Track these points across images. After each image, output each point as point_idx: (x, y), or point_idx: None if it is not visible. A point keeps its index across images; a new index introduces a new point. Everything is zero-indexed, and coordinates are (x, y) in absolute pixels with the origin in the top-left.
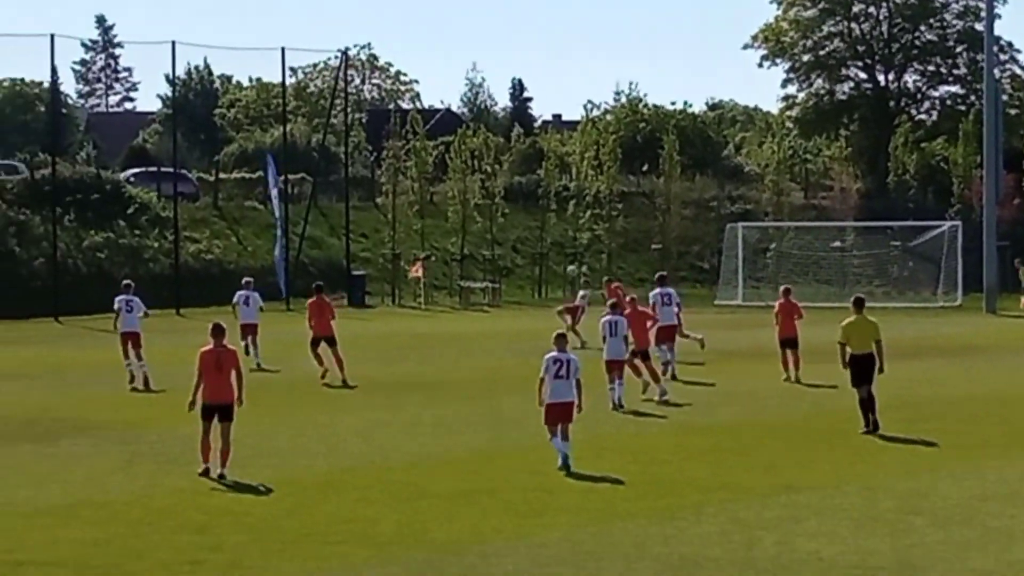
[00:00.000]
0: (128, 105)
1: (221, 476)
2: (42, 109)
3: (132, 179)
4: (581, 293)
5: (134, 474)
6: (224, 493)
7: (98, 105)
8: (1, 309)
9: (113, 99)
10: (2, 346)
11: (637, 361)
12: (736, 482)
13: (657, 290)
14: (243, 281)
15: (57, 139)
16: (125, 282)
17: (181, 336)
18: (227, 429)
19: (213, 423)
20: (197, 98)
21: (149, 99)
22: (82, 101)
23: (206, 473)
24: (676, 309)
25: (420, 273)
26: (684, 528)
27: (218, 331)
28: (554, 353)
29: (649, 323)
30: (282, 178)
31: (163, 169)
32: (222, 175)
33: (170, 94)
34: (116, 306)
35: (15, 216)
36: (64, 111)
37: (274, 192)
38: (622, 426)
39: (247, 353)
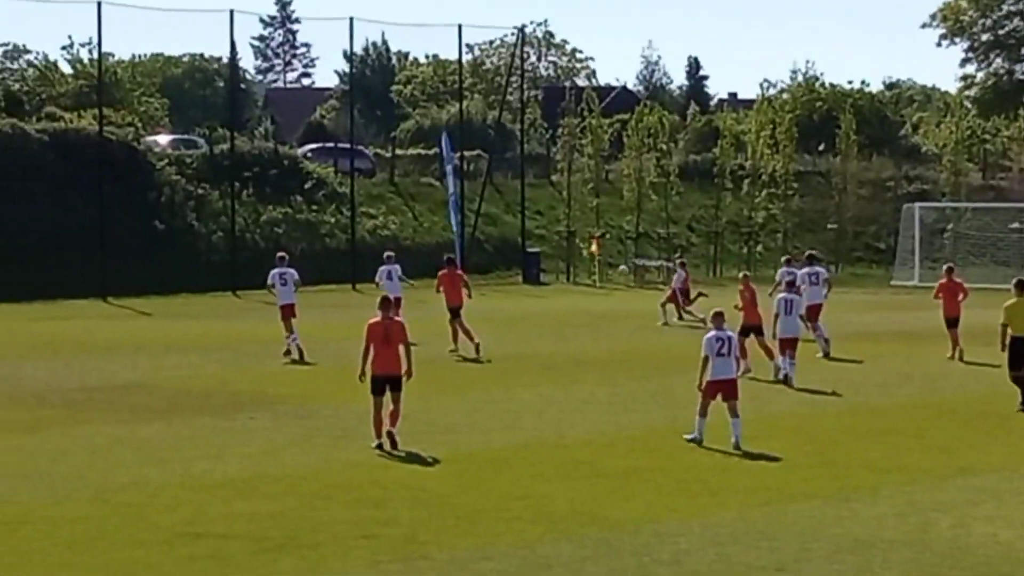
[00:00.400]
0: (306, 81)
1: (389, 433)
2: (221, 84)
3: (309, 154)
4: (675, 277)
5: (310, 448)
6: (400, 467)
7: (276, 81)
8: (180, 283)
9: (291, 75)
10: (181, 320)
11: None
12: (912, 464)
13: (805, 269)
14: (384, 256)
15: (236, 114)
16: (279, 255)
17: (358, 311)
18: (398, 398)
19: (385, 398)
20: (374, 74)
21: (326, 75)
22: (260, 77)
23: (381, 447)
24: (825, 289)
25: (596, 250)
26: (859, 510)
27: (386, 304)
28: (714, 332)
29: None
30: (458, 155)
31: (340, 145)
32: (398, 151)
33: (347, 70)
34: (270, 280)
35: (194, 190)
36: (243, 86)
37: (448, 169)
38: (795, 406)
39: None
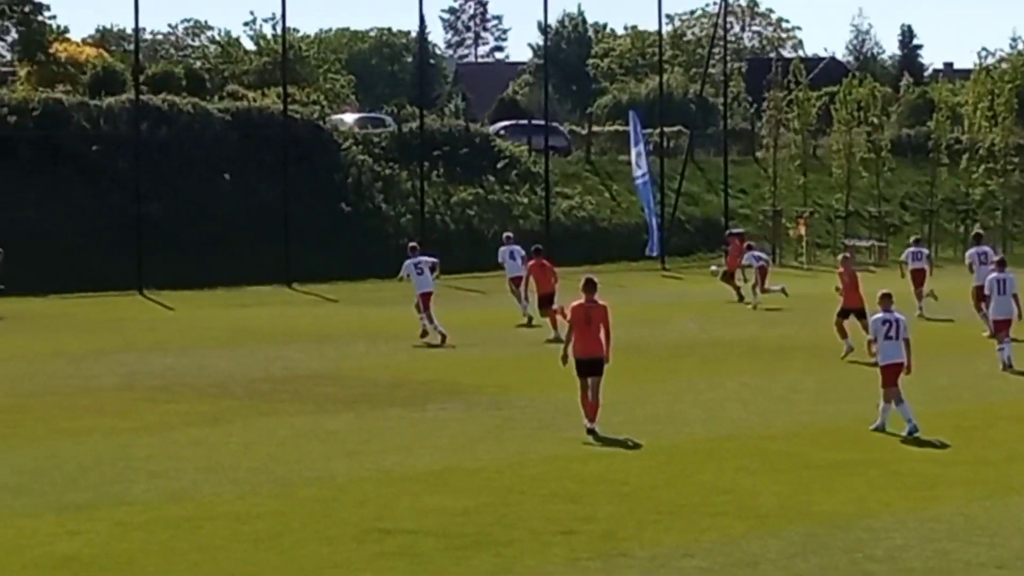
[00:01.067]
0: (498, 55)
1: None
2: (409, 60)
3: (502, 132)
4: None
5: (505, 440)
6: (599, 461)
7: (467, 55)
8: (367, 268)
9: (482, 49)
10: (369, 306)
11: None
12: None
13: (973, 249)
14: (409, 247)
15: (425, 91)
16: (411, 244)
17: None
18: (596, 383)
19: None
20: (570, 47)
21: (519, 49)
22: (450, 51)
23: (592, 432)
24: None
25: (803, 231)
26: None
27: (589, 286)
28: (881, 314)
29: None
30: (657, 131)
31: (534, 122)
32: (595, 128)
33: (541, 43)
34: (403, 272)
35: (382, 171)
36: (432, 62)
37: (635, 151)
38: (1018, 393)
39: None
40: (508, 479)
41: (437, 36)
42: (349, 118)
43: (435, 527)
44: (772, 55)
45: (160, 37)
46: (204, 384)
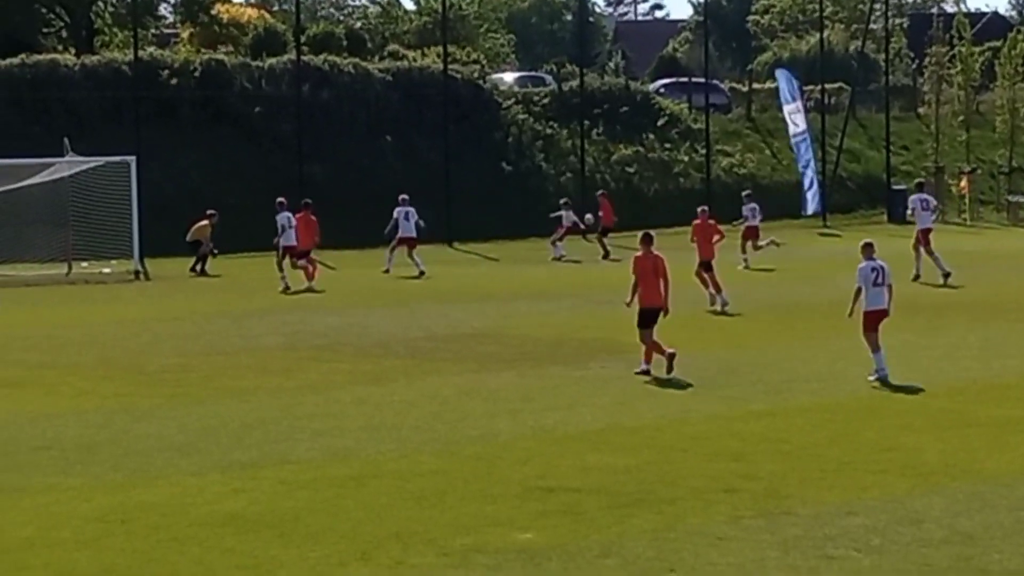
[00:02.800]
0: (658, 13)
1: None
2: (569, 18)
3: (662, 90)
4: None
5: (666, 398)
6: (760, 419)
7: (626, 14)
8: (528, 227)
9: (642, 7)
10: (529, 265)
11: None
12: None
13: (915, 196)
14: (400, 198)
15: (585, 49)
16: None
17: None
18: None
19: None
20: (730, 4)
21: (679, 6)
22: (610, 10)
23: (647, 373)
24: (932, 215)
25: (966, 187)
26: None
27: (647, 239)
28: (866, 263)
29: (716, 236)
30: (818, 88)
31: (694, 79)
32: (755, 85)
33: (701, 1)
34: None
35: (542, 130)
36: (591, 20)
37: (788, 108)
38: None
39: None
40: (669, 437)
41: None
42: (509, 77)
43: (597, 485)
44: (934, 10)
45: None
46: (367, 343)
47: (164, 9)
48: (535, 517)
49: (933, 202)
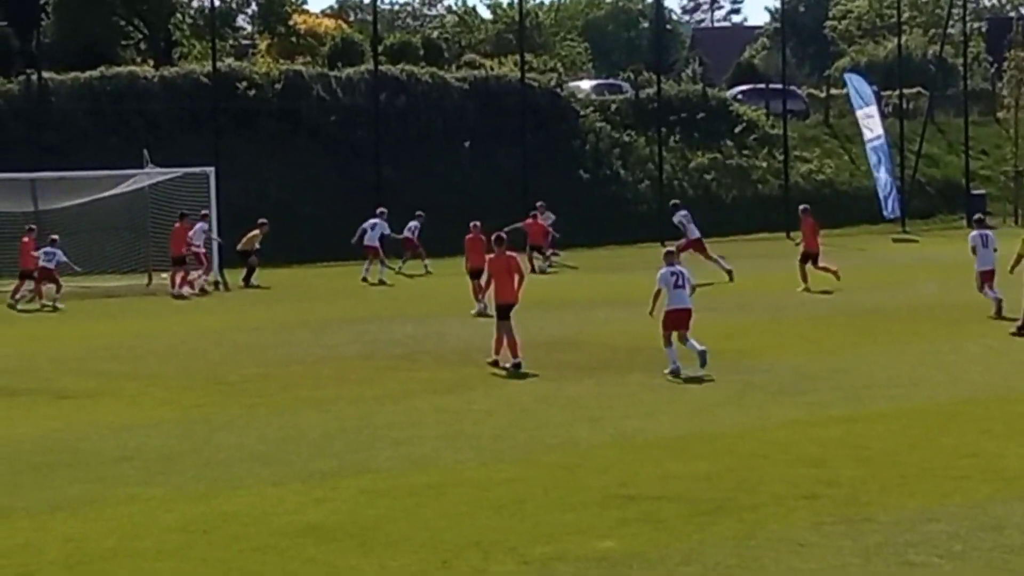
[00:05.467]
0: (734, 19)
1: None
2: (645, 26)
3: (739, 96)
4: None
5: (745, 405)
6: (840, 425)
7: (703, 20)
8: (606, 234)
9: (718, 14)
10: (608, 273)
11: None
12: None
13: (975, 232)
14: (378, 211)
15: (662, 57)
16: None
17: (792, 261)
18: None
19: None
20: (807, 10)
21: (756, 12)
22: (687, 17)
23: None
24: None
25: None
26: None
27: (499, 241)
28: (666, 268)
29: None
30: (896, 93)
31: (771, 86)
32: (833, 91)
33: (778, 7)
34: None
35: (619, 137)
36: (668, 27)
37: (861, 112)
38: None
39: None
40: (750, 444)
41: (673, 2)
42: (586, 85)
43: (678, 492)
44: (1012, 14)
45: (397, 7)
46: (445, 352)
47: (242, 20)
48: (615, 525)
49: (994, 240)
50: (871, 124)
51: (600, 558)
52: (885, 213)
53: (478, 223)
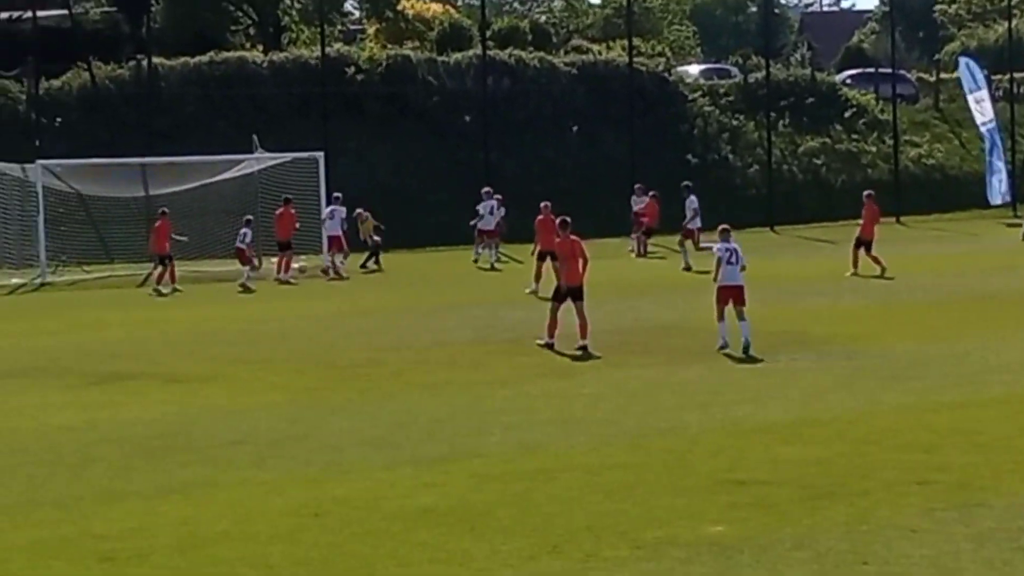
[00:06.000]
0: (844, 4)
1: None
2: (754, 10)
3: (848, 81)
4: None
5: (856, 390)
6: (951, 411)
7: (812, 5)
8: (715, 218)
9: None
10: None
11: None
12: None
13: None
14: (333, 196)
15: (770, 41)
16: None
17: (903, 246)
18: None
19: None
20: None
21: None
22: (796, 1)
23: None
24: None
25: None
26: None
27: (564, 224)
28: (721, 243)
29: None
30: (1006, 77)
31: (880, 70)
32: (943, 75)
33: None
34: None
35: (728, 122)
36: (777, 12)
37: (973, 97)
38: None
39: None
40: (861, 429)
41: None
42: (694, 69)
43: (789, 477)
44: None
45: None
46: (556, 337)
47: (350, 6)
48: (726, 510)
49: None
50: (983, 108)
51: (711, 543)
52: (992, 199)
53: (548, 204)
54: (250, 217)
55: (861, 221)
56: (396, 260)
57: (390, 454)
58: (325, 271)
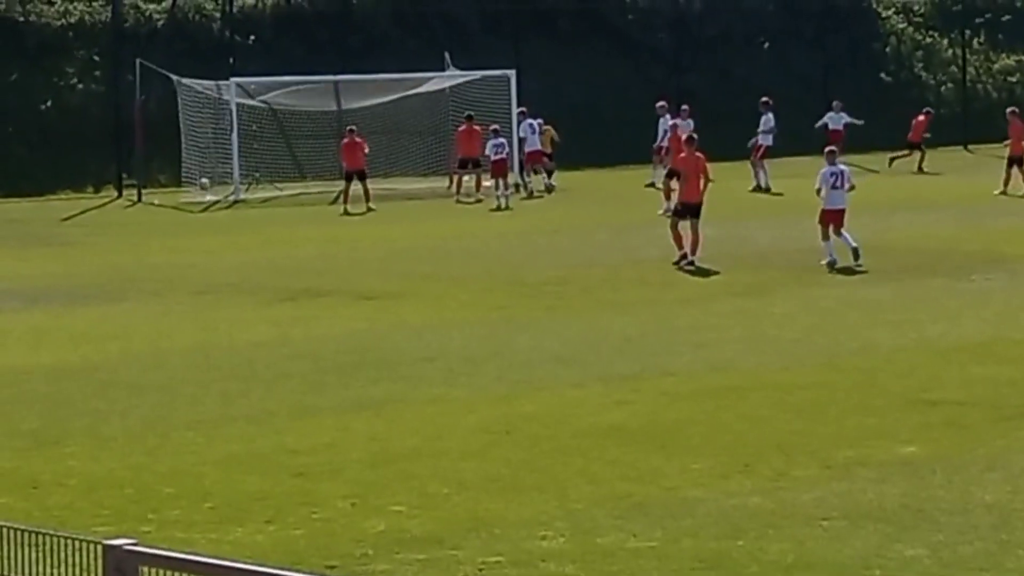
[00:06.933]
0: None
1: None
2: None
3: None
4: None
5: None
6: None
7: None
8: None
9: None
10: (910, 176)
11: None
12: None
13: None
14: (519, 112)
15: None
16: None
17: None
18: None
19: None
20: None
21: None
22: None
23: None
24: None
25: None
26: None
27: (690, 140)
28: (827, 168)
29: None
30: None
31: None
32: None
33: None
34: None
35: (922, 39)
36: None
37: None
38: None
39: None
40: None
41: None
42: None
43: (981, 397)
44: None
45: None
46: (745, 254)
47: None
48: (918, 430)
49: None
50: None
51: (903, 463)
52: None
53: (678, 120)
54: (496, 127)
55: (1008, 140)
56: (587, 178)
57: (580, 371)
58: (518, 187)
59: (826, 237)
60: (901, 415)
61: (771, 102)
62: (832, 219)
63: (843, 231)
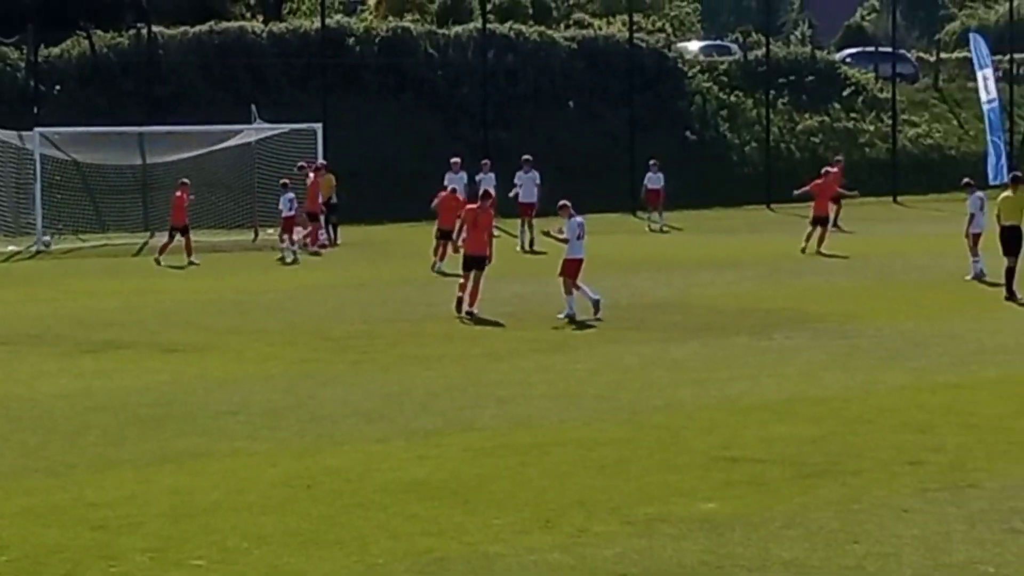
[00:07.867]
0: None
1: None
2: None
3: (848, 60)
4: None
5: (852, 369)
6: (946, 391)
7: None
8: (712, 196)
9: None
10: (714, 234)
11: None
12: None
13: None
14: (280, 183)
15: (771, 18)
16: (454, 160)
17: (900, 225)
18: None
19: None
20: None
21: None
22: None
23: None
24: None
25: None
26: None
27: (485, 196)
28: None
29: None
30: (1007, 57)
31: (880, 49)
32: (943, 55)
33: None
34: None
35: (727, 99)
36: None
37: (981, 74)
38: None
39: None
40: (855, 408)
41: None
42: (694, 46)
43: (782, 455)
44: None
45: None
46: (551, 311)
47: None
48: (719, 487)
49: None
50: (988, 87)
51: (703, 519)
52: (990, 179)
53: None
54: (286, 181)
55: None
56: (393, 232)
57: (383, 426)
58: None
59: (569, 292)
60: (702, 472)
61: (532, 159)
62: (576, 269)
63: (581, 283)
